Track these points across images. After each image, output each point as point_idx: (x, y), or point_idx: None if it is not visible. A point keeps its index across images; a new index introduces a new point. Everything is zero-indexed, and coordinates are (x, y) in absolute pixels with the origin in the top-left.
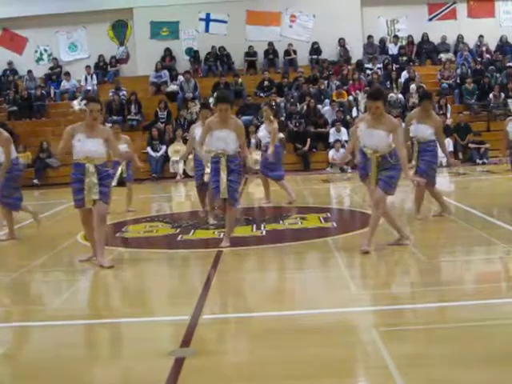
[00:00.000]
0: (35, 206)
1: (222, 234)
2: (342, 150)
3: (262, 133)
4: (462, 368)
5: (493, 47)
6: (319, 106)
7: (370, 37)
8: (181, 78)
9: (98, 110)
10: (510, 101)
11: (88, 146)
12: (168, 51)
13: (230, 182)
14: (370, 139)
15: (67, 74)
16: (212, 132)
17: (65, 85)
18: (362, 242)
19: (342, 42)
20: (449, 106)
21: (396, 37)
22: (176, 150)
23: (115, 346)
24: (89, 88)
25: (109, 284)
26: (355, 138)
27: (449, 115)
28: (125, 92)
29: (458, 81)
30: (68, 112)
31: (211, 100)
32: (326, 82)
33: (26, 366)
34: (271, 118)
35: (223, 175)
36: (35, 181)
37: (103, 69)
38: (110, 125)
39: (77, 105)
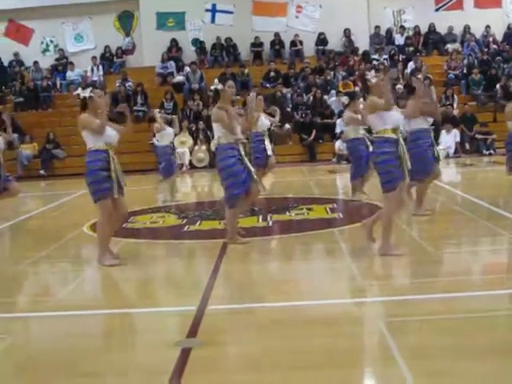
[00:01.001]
0: (42, 196)
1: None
2: None
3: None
4: (467, 359)
5: (500, 37)
6: (325, 97)
7: (376, 27)
8: (187, 68)
9: (101, 95)
10: None
11: (112, 132)
12: (174, 42)
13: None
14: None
15: (71, 63)
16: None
17: (70, 75)
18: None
19: (347, 33)
20: (455, 96)
21: (402, 27)
22: (182, 141)
23: (122, 337)
24: (95, 79)
25: (115, 275)
26: None
27: (455, 106)
28: (131, 83)
29: (465, 71)
30: (74, 103)
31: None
32: (332, 72)
33: (33, 356)
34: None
35: (248, 163)
36: (42, 172)
37: (109, 60)
38: (157, 110)
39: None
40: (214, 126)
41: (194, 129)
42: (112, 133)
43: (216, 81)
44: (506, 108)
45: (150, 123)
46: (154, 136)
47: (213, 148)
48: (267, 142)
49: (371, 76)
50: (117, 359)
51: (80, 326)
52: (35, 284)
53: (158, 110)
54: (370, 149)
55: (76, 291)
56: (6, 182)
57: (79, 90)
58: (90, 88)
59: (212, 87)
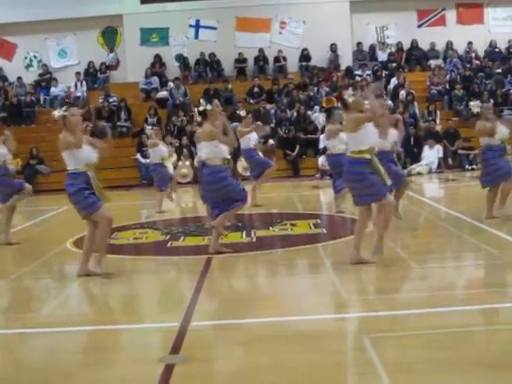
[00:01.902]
0: (25, 212)
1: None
2: None
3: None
4: (451, 374)
5: (482, 53)
6: (309, 113)
7: (359, 43)
8: (171, 84)
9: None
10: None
11: (91, 153)
12: (158, 58)
13: None
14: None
15: (55, 79)
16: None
17: (53, 90)
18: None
19: (333, 48)
20: (438, 112)
21: (385, 44)
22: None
23: (105, 353)
24: (78, 95)
25: (98, 291)
26: None
27: (438, 121)
28: (115, 98)
29: (448, 87)
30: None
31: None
32: (315, 88)
33: (14, 373)
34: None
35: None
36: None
37: (93, 75)
38: (149, 127)
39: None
40: (203, 144)
41: (177, 144)
42: (91, 154)
43: (202, 101)
44: (476, 126)
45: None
46: (138, 152)
47: (196, 164)
48: (261, 154)
49: (348, 95)
50: (100, 375)
51: (63, 343)
52: (18, 300)
53: (150, 126)
54: None
55: (59, 307)
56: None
57: (55, 111)
58: (65, 107)
59: (201, 108)
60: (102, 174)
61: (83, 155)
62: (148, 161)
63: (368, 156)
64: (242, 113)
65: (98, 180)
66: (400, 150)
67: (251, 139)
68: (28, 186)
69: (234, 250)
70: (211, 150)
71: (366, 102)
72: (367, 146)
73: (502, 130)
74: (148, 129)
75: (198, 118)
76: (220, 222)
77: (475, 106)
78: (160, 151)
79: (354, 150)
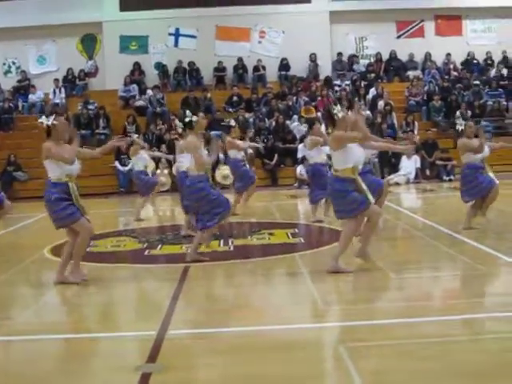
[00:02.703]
0: (3, 219)
1: (189, 249)
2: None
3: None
4: (428, 383)
5: (460, 65)
6: (287, 122)
7: (338, 54)
8: (149, 92)
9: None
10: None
11: (75, 164)
12: (137, 65)
13: None
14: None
15: (33, 86)
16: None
17: (32, 97)
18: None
19: (312, 58)
20: (416, 122)
21: (354, 56)
22: (144, 165)
23: (81, 361)
24: (57, 101)
25: (75, 299)
26: None
27: (416, 132)
28: (95, 105)
29: (426, 98)
30: (36, 125)
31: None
32: (294, 97)
33: None
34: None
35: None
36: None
37: (72, 82)
38: (136, 135)
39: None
40: (186, 155)
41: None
42: (75, 166)
43: (188, 113)
44: (458, 143)
45: (129, 147)
46: (116, 159)
47: (176, 173)
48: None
49: (338, 110)
50: None
51: (39, 351)
52: None
53: (137, 135)
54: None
55: (36, 315)
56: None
57: (43, 118)
58: (54, 115)
59: (186, 119)
60: (79, 182)
61: (68, 167)
62: (127, 168)
63: (352, 176)
64: (232, 122)
65: (78, 191)
66: (375, 160)
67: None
68: (8, 204)
69: (212, 259)
70: (190, 160)
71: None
72: (351, 164)
73: (485, 150)
74: (135, 136)
75: (179, 130)
76: (207, 236)
77: (459, 123)
78: (143, 159)
79: (338, 168)
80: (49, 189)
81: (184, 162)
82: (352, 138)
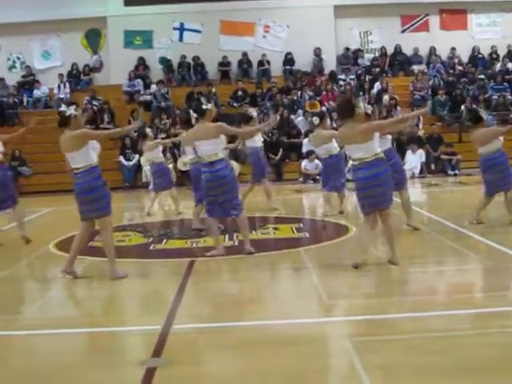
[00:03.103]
0: (7, 214)
1: (194, 243)
2: (316, 161)
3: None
4: (434, 378)
5: (465, 59)
6: (292, 117)
7: (343, 48)
8: (154, 86)
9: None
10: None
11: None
12: (141, 60)
13: None
14: None
15: (38, 81)
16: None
17: (36, 92)
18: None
19: (317, 52)
20: (421, 117)
21: (360, 50)
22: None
23: (86, 356)
24: (62, 96)
25: (80, 294)
26: None
27: (421, 126)
28: (101, 100)
29: (431, 92)
30: (41, 120)
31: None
32: (299, 92)
33: None
34: None
35: None
36: None
37: (76, 77)
38: (149, 129)
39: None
40: (204, 142)
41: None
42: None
43: (203, 100)
44: (473, 136)
45: (142, 140)
46: (121, 154)
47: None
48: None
49: (366, 107)
50: (81, 378)
51: (45, 345)
52: (0, 302)
53: (150, 129)
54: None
55: (41, 310)
56: None
57: (63, 107)
58: (74, 106)
59: (203, 106)
60: None
61: (97, 151)
62: (131, 163)
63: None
64: (254, 113)
65: None
66: None
67: (257, 140)
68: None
69: (217, 254)
70: (213, 147)
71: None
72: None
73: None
74: (148, 130)
75: (193, 120)
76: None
77: (484, 113)
78: (160, 152)
79: (369, 155)
80: (92, 176)
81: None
82: (380, 126)
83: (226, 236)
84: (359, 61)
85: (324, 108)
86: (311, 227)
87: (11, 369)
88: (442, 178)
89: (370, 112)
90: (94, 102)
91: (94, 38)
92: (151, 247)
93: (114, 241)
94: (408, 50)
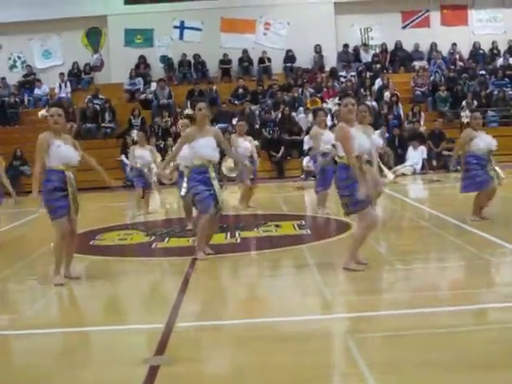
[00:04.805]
0: (9, 213)
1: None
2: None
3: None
4: (437, 374)
5: (466, 55)
6: (293, 114)
7: (344, 45)
8: (154, 85)
9: (59, 114)
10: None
11: (66, 153)
12: (142, 59)
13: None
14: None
15: (38, 80)
16: (196, 140)
17: (37, 92)
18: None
19: (318, 49)
20: (422, 113)
21: (364, 44)
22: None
23: (89, 354)
24: (62, 95)
25: (83, 292)
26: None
27: (422, 122)
28: (104, 99)
29: (432, 88)
30: (41, 119)
31: (187, 111)
32: (300, 89)
33: None
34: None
35: (217, 185)
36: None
37: (77, 76)
38: (135, 132)
39: (42, 113)
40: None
41: (162, 145)
42: (70, 153)
43: (189, 106)
44: (462, 134)
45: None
46: (123, 153)
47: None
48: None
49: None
50: (84, 377)
51: (48, 344)
52: (1, 302)
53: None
54: None
55: (44, 309)
56: None
57: (43, 111)
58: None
59: (185, 112)
60: (85, 175)
61: (63, 154)
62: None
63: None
64: (331, 105)
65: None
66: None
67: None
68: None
69: (219, 252)
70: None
71: None
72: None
73: (491, 142)
74: (134, 134)
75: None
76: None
77: (464, 115)
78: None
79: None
80: (44, 177)
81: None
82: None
83: (228, 234)
84: (362, 55)
85: (325, 105)
86: (313, 224)
87: (13, 368)
88: (444, 174)
89: None
90: (96, 101)
91: (94, 36)
92: (153, 245)
93: (61, 250)
94: (409, 46)
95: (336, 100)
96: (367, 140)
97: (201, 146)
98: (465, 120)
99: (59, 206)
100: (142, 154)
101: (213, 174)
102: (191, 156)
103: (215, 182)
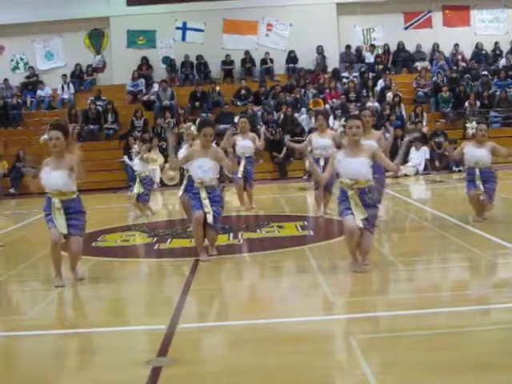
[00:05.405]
0: (12, 215)
1: None
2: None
3: (244, 144)
4: (439, 375)
5: (468, 55)
6: (296, 115)
7: (346, 46)
8: (156, 86)
9: (58, 137)
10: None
11: (53, 179)
12: (145, 60)
13: (213, 213)
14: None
15: (41, 82)
16: (193, 160)
17: (40, 93)
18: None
19: (320, 50)
20: (425, 114)
21: (372, 45)
22: (152, 158)
23: (92, 356)
24: (65, 97)
25: (85, 294)
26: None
27: (425, 123)
28: (106, 100)
29: (434, 89)
30: (44, 121)
31: (193, 128)
32: (302, 90)
33: None
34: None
35: (207, 204)
36: (12, 190)
37: (80, 77)
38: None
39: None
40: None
41: (164, 146)
42: (55, 181)
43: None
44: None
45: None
46: (125, 154)
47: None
48: (242, 164)
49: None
50: (86, 378)
51: (50, 346)
52: (4, 303)
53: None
54: None
55: (46, 310)
56: None
57: (45, 136)
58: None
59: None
60: (88, 177)
61: (48, 181)
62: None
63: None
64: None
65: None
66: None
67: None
68: None
69: (221, 253)
70: None
71: None
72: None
73: (479, 153)
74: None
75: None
76: None
77: (471, 127)
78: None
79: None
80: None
81: None
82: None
83: (231, 235)
84: (365, 53)
85: (327, 106)
86: (316, 225)
87: (15, 370)
88: (447, 175)
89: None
90: (99, 102)
91: (96, 38)
92: (156, 247)
93: (53, 254)
94: (411, 47)
95: (342, 121)
96: (357, 165)
97: (194, 167)
98: (470, 132)
99: (49, 219)
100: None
101: (203, 195)
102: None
103: (206, 202)
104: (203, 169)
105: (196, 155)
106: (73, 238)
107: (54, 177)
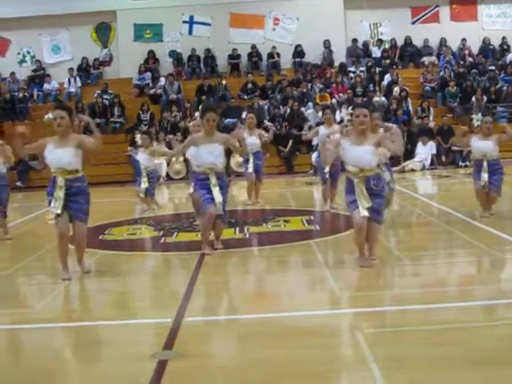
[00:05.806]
0: (18, 208)
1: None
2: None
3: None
4: (446, 370)
5: (475, 50)
6: (302, 109)
7: (353, 40)
8: (162, 80)
9: (62, 116)
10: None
11: (57, 157)
12: (151, 53)
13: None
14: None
15: (48, 75)
16: (201, 146)
17: (47, 87)
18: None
19: (327, 44)
20: (431, 108)
21: (379, 40)
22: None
23: (98, 349)
24: (72, 90)
25: (92, 287)
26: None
27: (431, 118)
28: (112, 94)
29: (441, 84)
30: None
31: (197, 114)
32: (309, 84)
33: (6, 368)
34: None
35: (217, 192)
36: (18, 183)
37: (86, 71)
38: (138, 136)
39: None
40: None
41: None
42: (58, 158)
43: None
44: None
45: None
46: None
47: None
48: (251, 160)
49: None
50: (93, 371)
51: (56, 339)
52: (11, 296)
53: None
54: None
55: (53, 303)
56: None
57: (49, 114)
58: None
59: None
60: (95, 170)
61: (53, 158)
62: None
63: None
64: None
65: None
66: None
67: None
68: None
69: (227, 246)
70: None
71: None
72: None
73: (486, 145)
74: (138, 137)
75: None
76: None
77: (476, 119)
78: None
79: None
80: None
81: None
82: None
83: (237, 229)
84: (372, 48)
85: (334, 100)
86: (322, 219)
87: (22, 363)
88: (453, 170)
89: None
90: (105, 96)
91: (103, 31)
92: (162, 240)
93: (60, 247)
94: (418, 42)
95: (350, 109)
96: (361, 152)
97: (203, 153)
98: (476, 123)
99: (50, 200)
100: (143, 158)
101: (214, 181)
102: (193, 162)
103: (216, 189)
104: (214, 154)
105: (201, 141)
106: (76, 224)
107: (58, 155)
